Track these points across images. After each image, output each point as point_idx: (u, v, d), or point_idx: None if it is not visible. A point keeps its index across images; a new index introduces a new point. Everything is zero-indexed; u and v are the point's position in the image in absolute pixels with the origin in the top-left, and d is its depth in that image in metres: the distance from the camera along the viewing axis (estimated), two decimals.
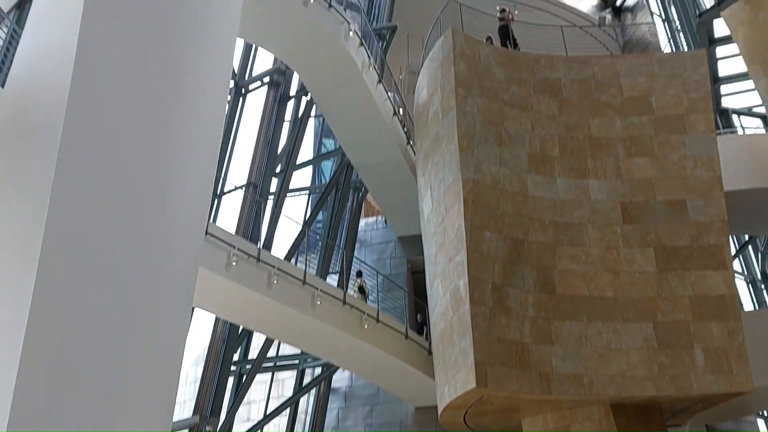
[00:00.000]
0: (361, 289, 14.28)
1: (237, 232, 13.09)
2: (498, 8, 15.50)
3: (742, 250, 20.03)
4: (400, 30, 17.05)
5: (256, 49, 15.26)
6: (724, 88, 18.41)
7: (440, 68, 12.59)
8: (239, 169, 14.95)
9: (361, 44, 13.19)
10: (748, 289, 20.02)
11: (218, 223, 11.43)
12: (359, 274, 15.07)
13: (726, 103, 18.86)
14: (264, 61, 15.17)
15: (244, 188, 14.23)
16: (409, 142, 16.18)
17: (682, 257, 11.05)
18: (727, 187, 11.74)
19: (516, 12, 15.46)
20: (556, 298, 10.97)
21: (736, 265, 20.03)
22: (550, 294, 10.99)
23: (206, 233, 8.93)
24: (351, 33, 12.84)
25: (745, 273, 20.21)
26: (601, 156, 11.94)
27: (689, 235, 11.14)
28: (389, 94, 14.95)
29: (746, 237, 19.61)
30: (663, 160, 11.68)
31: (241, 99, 14.46)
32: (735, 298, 10.95)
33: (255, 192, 14.08)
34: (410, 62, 20.65)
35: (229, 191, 14.57)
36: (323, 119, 15.32)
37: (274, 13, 12.04)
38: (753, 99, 17.97)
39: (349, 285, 14.95)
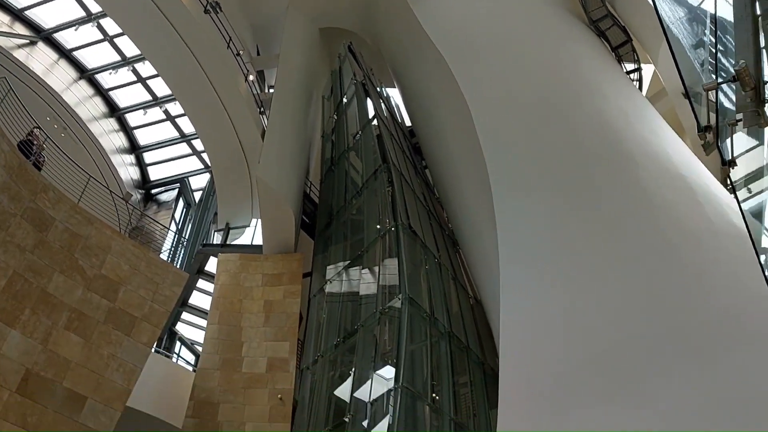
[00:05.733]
0: None
1: None
2: None
3: None
4: None
5: None
6: (185, 315, 19.82)
7: None
8: None
9: None
10: None
11: None
12: None
13: (180, 327, 20.17)
14: None
15: None
16: None
17: None
18: (132, 403, 11.94)
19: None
20: None
21: None
22: None
23: None
24: None
25: None
26: (42, 313, 10.97)
27: None
28: None
29: None
30: (95, 349, 11.32)
31: None
32: None
33: None
34: None
35: None
36: None
37: None
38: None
39: None
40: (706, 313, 9.00)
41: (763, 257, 5.35)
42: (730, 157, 4.28)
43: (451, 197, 17.24)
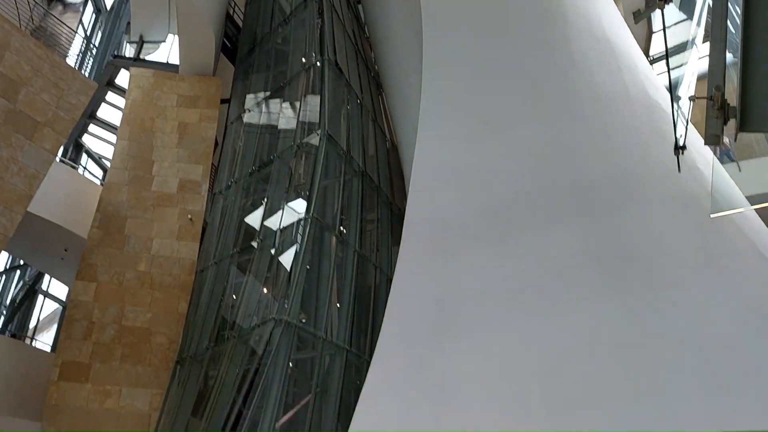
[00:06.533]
0: None
1: None
2: None
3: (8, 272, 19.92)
4: None
5: None
6: (93, 128, 18.96)
7: None
8: None
9: None
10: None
11: None
12: None
13: (87, 139, 19.38)
14: None
15: None
16: None
17: None
18: (34, 209, 11.75)
19: None
20: None
21: None
22: None
23: None
24: None
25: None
26: None
27: None
28: None
29: (20, 262, 19.46)
30: None
31: None
32: None
33: None
34: None
35: None
36: None
37: None
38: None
39: None
40: (605, 173, 9.63)
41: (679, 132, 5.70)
42: None
43: (381, 38, 16.78)
